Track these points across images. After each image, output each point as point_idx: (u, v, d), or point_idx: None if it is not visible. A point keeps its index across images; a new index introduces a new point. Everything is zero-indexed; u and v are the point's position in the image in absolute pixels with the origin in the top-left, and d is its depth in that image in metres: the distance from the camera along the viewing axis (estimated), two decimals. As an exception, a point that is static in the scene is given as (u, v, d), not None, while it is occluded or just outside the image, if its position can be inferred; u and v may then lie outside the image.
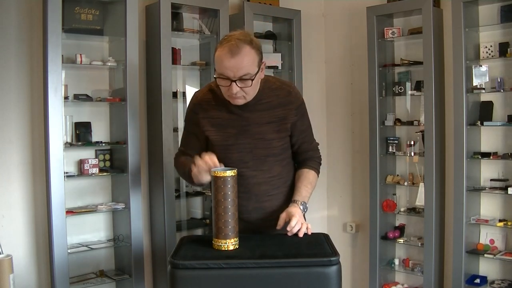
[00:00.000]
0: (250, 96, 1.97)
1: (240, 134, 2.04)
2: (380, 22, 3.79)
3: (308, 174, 2.14)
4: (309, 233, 1.95)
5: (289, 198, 2.10)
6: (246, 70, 1.87)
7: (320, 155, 2.25)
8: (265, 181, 2.08)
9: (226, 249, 1.79)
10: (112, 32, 3.23)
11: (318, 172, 2.20)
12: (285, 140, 2.10)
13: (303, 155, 2.19)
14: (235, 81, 1.88)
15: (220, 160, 1.93)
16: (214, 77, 1.95)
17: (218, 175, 1.79)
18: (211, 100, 2.08)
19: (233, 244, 1.80)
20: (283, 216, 1.98)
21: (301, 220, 1.96)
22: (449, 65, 3.52)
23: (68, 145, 3.09)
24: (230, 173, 1.80)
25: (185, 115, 2.18)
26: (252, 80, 1.90)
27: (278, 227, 1.98)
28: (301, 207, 2.03)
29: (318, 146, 2.25)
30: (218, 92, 2.04)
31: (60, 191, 2.92)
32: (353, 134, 4.25)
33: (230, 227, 1.80)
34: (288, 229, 1.93)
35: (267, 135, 2.05)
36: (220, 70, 1.89)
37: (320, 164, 2.24)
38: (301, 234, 1.92)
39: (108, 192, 3.36)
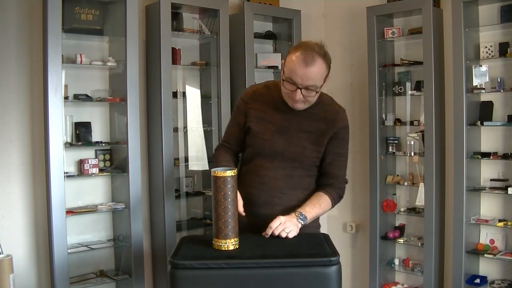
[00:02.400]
0: (310, 104, 2.06)
1: (278, 132, 2.10)
2: (380, 22, 3.79)
3: (321, 197, 2.11)
4: (289, 236, 1.93)
5: (299, 205, 2.08)
6: (313, 82, 1.96)
7: (344, 189, 2.21)
8: (283, 178, 2.09)
9: (226, 249, 1.79)
10: (112, 32, 3.23)
11: (333, 202, 2.15)
12: (317, 155, 2.11)
13: (326, 179, 2.16)
14: (301, 88, 1.96)
15: (252, 150, 2.12)
16: (282, 79, 2.01)
17: (218, 175, 1.79)
18: (263, 95, 2.15)
19: (233, 244, 1.80)
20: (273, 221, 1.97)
21: (284, 225, 1.93)
22: (449, 65, 3.52)
23: (68, 145, 3.09)
24: (230, 173, 1.80)
25: (236, 104, 2.24)
26: (316, 91, 2.00)
27: (265, 235, 1.96)
28: (299, 218, 2.00)
29: (346, 185, 2.23)
30: (273, 90, 2.14)
31: (60, 191, 2.92)
32: (353, 134, 4.23)
33: (230, 227, 1.79)
34: (267, 230, 1.93)
35: (302, 142, 2.09)
36: (289, 74, 1.97)
37: (340, 197, 2.19)
38: (280, 234, 1.92)
39: (108, 192, 3.36)
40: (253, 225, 2.05)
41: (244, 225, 1.97)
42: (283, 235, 1.92)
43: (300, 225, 1.99)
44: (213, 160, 2.28)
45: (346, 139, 2.17)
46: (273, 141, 2.09)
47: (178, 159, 3.56)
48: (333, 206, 2.16)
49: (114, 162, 3.33)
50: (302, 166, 2.12)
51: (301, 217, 2.00)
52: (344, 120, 2.15)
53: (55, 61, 2.88)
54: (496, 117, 3.42)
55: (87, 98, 3.19)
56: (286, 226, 1.94)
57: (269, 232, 1.93)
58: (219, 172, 1.80)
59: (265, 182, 2.09)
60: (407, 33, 3.77)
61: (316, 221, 2.21)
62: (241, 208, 1.95)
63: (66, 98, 3.05)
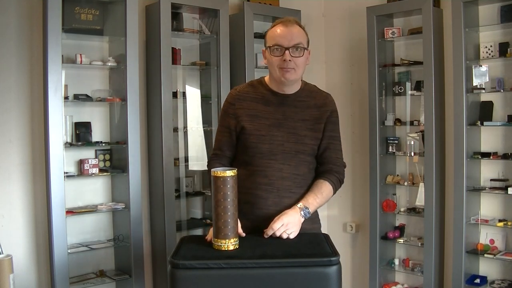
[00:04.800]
0: (299, 72, 2.07)
1: (274, 126, 2.09)
2: (380, 22, 3.79)
3: (321, 185, 2.11)
4: (290, 237, 1.93)
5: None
6: (299, 39, 2.03)
7: (343, 173, 2.22)
8: (290, 177, 2.08)
9: (226, 249, 1.79)
10: (112, 32, 3.23)
11: (334, 187, 2.15)
12: (315, 142, 2.13)
13: (325, 166, 2.17)
14: (288, 48, 2.00)
15: (250, 150, 2.08)
16: (268, 47, 2.06)
17: (218, 175, 1.79)
18: (249, 93, 2.15)
19: (233, 244, 1.80)
20: (274, 220, 1.96)
21: (286, 227, 1.93)
22: (449, 65, 3.52)
23: (68, 145, 3.09)
24: (230, 173, 1.79)
25: (222, 108, 2.21)
26: (304, 49, 2.04)
27: (265, 235, 1.96)
28: (302, 213, 2.00)
29: (345, 169, 2.24)
30: (258, 87, 2.15)
31: (60, 191, 2.92)
32: (353, 134, 4.25)
33: (229, 227, 1.79)
34: (268, 231, 1.92)
35: (300, 131, 2.09)
36: (274, 40, 2.03)
37: (340, 182, 2.20)
38: (283, 236, 1.92)
39: (108, 192, 3.36)
40: (258, 227, 2.02)
41: (248, 230, 1.97)
42: (284, 236, 1.92)
43: (302, 221, 2.00)
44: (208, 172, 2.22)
45: (337, 122, 2.21)
46: (271, 136, 2.07)
47: (178, 159, 3.56)
48: (334, 192, 2.17)
49: (114, 162, 3.33)
50: (306, 157, 2.11)
51: (305, 211, 2.01)
52: (333, 104, 2.20)
53: (55, 61, 2.88)
54: (496, 117, 3.42)
55: (87, 98, 3.19)
56: (288, 227, 1.93)
57: (269, 232, 1.93)
58: (219, 172, 1.79)
59: (272, 182, 2.06)
60: (407, 33, 3.77)
61: (317, 222, 2.20)
62: (240, 230, 1.93)
63: (66, 98, 3.05)
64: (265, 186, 2.06)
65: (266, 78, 2.16)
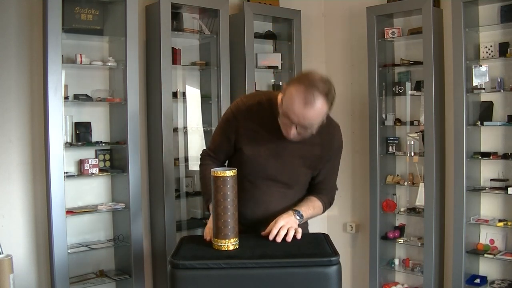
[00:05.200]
0: (305, 138, 1.93)
1: (272, 157, 2.03)
2: (380, 22, 3.79)
3: (314, 201, 2.10)
4: (298, 237, 1.92)
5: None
6: (311, 122, 1.83)
7: (334, 196, 2.20)
8: (277, 199, 2.07)
9: (226, 249, 1.79)
10: (112, 32, 3.23)
11: (324, 207, 2.14)
12: (310, 176, 2.11)
13: (319, 188, 2.15)
14: (297, 126, 1.85)
15: (243, 172, 1.98)
16: (281, 108, 1.87)
17: (217, 175, 1.79)
18: (256, 113, 2.02)
19: (233, 244, 1.80)
20: (270, 225, 1.95)
21: (287, 225, 1.92)
22: (449, 65, 3.52)
23: (68, 145, 3.09)
24: (230, 173, 1.79)
25: (225, 116, 2.10)
26: (313, 130, 1.88)
27: (264, 234, 1.95)
28: (296, 215, 1.99)
29: (336, 192, 2.22)
30: (267, 108, 2.00)
31: (60, 191, 2.92)
32: (353, 134, 4.25)
33: (229, 227, 1.79)
34: (270, 237, 1.90)
35: (297, 167, 2.04)
36: (287, 110, 1.82)
37: (330, 204, 2.18)
38: (288, 239, 1.89)
39: (108, 192, 3.36)
40: (248, 228, 2.03)
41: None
42: (291, 233, 1.90)
43: (298, 222, 1.99)
44: (199, 175, 2.20)
45: (339, 157, 2.15)
46: (266, 166, 2.03)
47: (178, 159, 3.56)
48: (323, 211, 2.15)
49: (114, 162, 3.33)
50: (297, 188, 2.11)
51: (298, 214, 2.00)
52: (339, 141, 2.12)
53: (55, 61, 2.88)
54: (496, 117, 3.42)
55: (87, 98, 3.18)
56: (289, 226, 1.92)
57: (271, 238, 1.90)
58: (219, 172, 1.79)
59: (258, 202, 2.06)
60: (407, 33, 3.77)
61: (304, 222, 2.19)
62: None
63: (66, 98, 3.05)
64: (251, 204, 2.05)
65: (279, 100, 1.91)
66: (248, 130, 2.02)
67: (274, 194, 2.07)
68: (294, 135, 1.89)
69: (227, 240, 1.79)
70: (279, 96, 1.90)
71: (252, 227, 2.05)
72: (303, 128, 1.86)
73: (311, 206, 2.07)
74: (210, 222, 1.93)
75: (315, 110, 1.79)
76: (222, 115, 2.18)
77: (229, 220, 1.79)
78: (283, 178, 2.06)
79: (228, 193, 1.79)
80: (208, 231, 1.94)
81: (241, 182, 1.95)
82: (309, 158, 2.05)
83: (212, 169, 1.83)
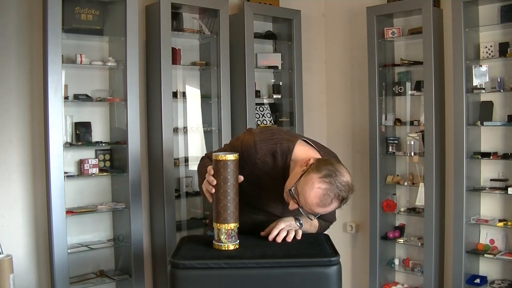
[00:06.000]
0: None
1: (273, 202, 2.00)
2: (380, 22, 3.79)
3: (313, 220, 2.04)
4: (298, 237, 1.91)
5: None
6: (317, 213, 1.84)
7: (329, 227, 2.18)
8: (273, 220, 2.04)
9: (226, 249, 1.79)
10: (112, 32, 3.23)
11: (320, 228, 2.12)
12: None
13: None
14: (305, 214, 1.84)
15: (244, 207, 1.90)
16: (291, 192, 1.81)
17: (219, 158, 1.77)
18: (267, 164, 1.95)
19: (233, 244, 1.80)
20: (270, 226, 1.95)
21: (287, 227, 1.92)
22: (449, 65, 3.53)
23: (68, 145, 3.09)
24: (231, 157, 1.78)
25: (236, 146, 1.98)
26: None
27: (263, 234, 1.94)
28: (297, 222, 1.98)
29: (334, 222, 2.19)
30: (278, 163, 1.93)
31: (60, 191, 2.92)
32: (353, 134, 4.25)
33: (229, 211, 1.78)
34: (270, 238, 1.89)
35: (296, 213, 1.97)
36: (298, 196, 1.79)
37: (324, 230, 2.15)
38: (288, 239, 1.89)
39: (108, 192, 3.36)
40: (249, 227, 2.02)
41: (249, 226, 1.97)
42: (291, 233, 1.90)
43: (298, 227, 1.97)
44: (197, 169, 2.14)
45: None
46: (269, 207, 2.01)
47: (178, 159, 3.56)
48: (316, 231, 2.11)
49: (114, 162, 3.33)
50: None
51: (299, 222, 1.98)
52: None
53: (55, 61, 2.88)
54: (496, 117, 3.42)
55: (87, 98, 3.18)
56: (289, 227, 1.92)
57: (270, 239, 1.89)
58: (220, 155, 1.77)
59: (261, 212, 2.04)
60: (407, 33, 3.78)
61: None
62: (241, 177, 1.83)
63: (66, 98, 3.05)
64: (256, 212, 2.03)
65: (294, 156, 1.90)
66: (253, 175, 1.95)
67: (269, 217, 2.03)
68: (294, 209, 1.85)
69: (225, 224, 1.78)
70: (298, 164, 1.85)
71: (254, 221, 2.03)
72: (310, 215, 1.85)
73: (309, 222, 2.04)
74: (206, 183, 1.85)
75: (326, 209, 1.80)
76: (238, 138, 2.05)
77: (228, 205, 1.78)
78: (285, 215, 2.00)
79: (229, 177, 1.77)
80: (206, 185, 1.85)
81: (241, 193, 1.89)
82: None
83: (214, 153, 1.81)
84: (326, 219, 2.14)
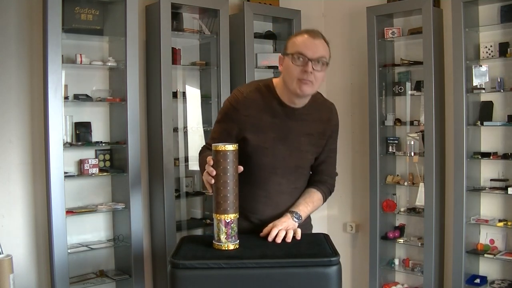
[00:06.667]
0: (316, 86, 1.99)
1: (279, 140, 2.02)
2: (380, 22, 3.79)
3: (313, 194, 2.10)
4: (297, 237, 1.92)
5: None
6: (323, 53, 1.95)
7: (334, 184, 2.21)
8: (288, 191, 2.06)
9: (226, 248, 1.79)
10: (112, 32, 3.23)
11: (324, 198, 2.14)
12: (315, 156, 2.11)
13: (318, 176, 2.15)
14: (311, 60, 1.92)
15: (252, 162, 1.98)
16: (289, 54, 1.94)
17: (218, 149, 1.78)
18: (256, 100, 2.02)
19: (233, 244, 1.80)
20: (268, 227, 1.95)
21: (285, 228, 1.92)
22: (449, 65, 3.52)
23: (68, 145, 3.09)
24: (230, 147, 1.78)
25: (223, 109, 2.07)
26: (326, 64, 1.96)
27: (262, 234, 1.95)
28: (294, 217, 1.99)
29: (337, 177, 2.22)
30: (265, 94, 2.02)
31: (60, 191, 2.92)
32: (353, 134, 4.25)
33: (229, 202, 1.78)
34: (269, 239, 1.90)
35: (303, 146, 2.05)
36: (298, 48, 1.93)
37: (331, 192, 2.19)
38: (288, 239, 1.89)
39: (108, 192, 3.36)
40: (253, 230, 2.02)
41: (245, 230, 1.96)
42: (290, 234, 1.90)
43: (296, 224, 1.98)
44: (198, 161, 2.13)
45: (337, 134, 2.18)
46: (274, 149, 2.02)
47: (178, 159, 3.56)
48: (324, 201, 2.16)
49: (114, 162, 3.33)
50: (304, 170, 2.10)
51: (296, 216, 2.00)
52: (337, 117, 2.17)
53: (55, 61, 2.88)
54: (496, 117, 3.42)
55: (87, 98, 3.19)
56: (288, 228, 1.92)
57: (270, 240, 1.89)
58: (220, 146, 1.78)
59: (271, 196, 2.04)
60: (407, 33, 3.77)
61: (309, 229, 2.19)
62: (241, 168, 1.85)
63: (66, 98, 3.05)
64: (263, 199, 2.03)
65: (275, 83, 2.03)
66: (250, 118, 2.00)
67: (285, 187, 2.05)
68: (310, 77, 1.92)
69: (225, 215, 1.78)
70: (280, 64, 2.01)
71: (259, 224, 2.03)
72: (317, 65, 1.92)
73: (309, 202, 2.07)
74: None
75: (322, 42, 1.98)
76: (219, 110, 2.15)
77: (228, 195, 1.78)
78: (292, 160, 2.04)
79: (228, 167, 1.77)
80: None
81: (248, 176, 1.96)
82: (314, 135, 2.07)
83: (213, 144, 1.81)
84: (327, 172, 2.15)
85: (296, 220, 1.99)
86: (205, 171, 1.83)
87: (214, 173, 1.78)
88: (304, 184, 2.13)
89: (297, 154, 2.05)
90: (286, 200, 2.06)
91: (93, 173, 3.18)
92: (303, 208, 2.04)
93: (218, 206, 1.80)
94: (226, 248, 1.79)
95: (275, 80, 2.05)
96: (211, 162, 1.79)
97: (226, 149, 1.77)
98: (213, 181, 1.79)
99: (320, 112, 2.09)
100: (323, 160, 2.14)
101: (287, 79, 1.96)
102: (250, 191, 2.01)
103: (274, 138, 2.02)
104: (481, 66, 3.40)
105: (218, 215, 1.79)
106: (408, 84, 3.81)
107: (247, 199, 2.00)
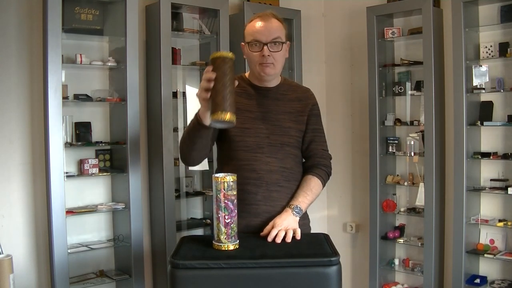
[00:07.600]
0: (278, 67, 2.09)
1: (258, 119, 2.09)
2: (380, 22, 3.79)
3: (310, 181, 2.12)
4: (297, 237, 1.92)
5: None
6: (276, 34, 2.04)
7: (330, 166, 2.22)
8: (278, 170, 2.08)
9: (226, 249, 1.79)
10: (112, 32, 3.23)
11: (323, 181, 2.16)
12: (300, 134, 2.15)
13: (311, 161, 2.18)
14: (267, 44, 2.02)
15: (236, 144, 2.06)
16: (247, 43, 2.08)
17: (217, 55, 1.80)
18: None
19: (233, 244, 1.80)
20: (268, 226, 1.96)
21: (285, 228, 1.93)
22: (449, 65, 3.53)
23: (68, 145, 3.09)
24: (229, 54, 1.80)
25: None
26: (283, 44, 2.05)
27: (262, 234, 1.95)
28: (294, 212, 2.01)
29: (336, 177, 2.23)
30: (239, 82, 2.10)
31: (60, 191, 2.92)
32: (353, 134, 4.25)
33: (229, 102, 1.76)
34: (269, 239, 1.90)
35: (284, 123, 2.11)
36: (252, 36, 2.06)
37: (328, 174, 2.20)
38: (288, 239, 1.89)
39: (108, 192, 3.36)
40: (249, 224, 2.02)
41: (241, 227, 1.94)
42: (290, 234, 1.90)
43: (297, 219, 2.00)
44: (180, 143, 2.11)
45: (320, 115, 2.24)
46: (256, 129, 2.08)
47: (178, 159, 3.56)
48: (324, 185, 2.18)
49: (114, 162, 3.33)
50: (291, 149, 2.11)
51: (296, 210, 2.02)
52: (314, 97, 2.25)
53: (55, 61, 2.88)
54: (496, 117, 3.42)
55: (87, 98, 3.18)
56: (288, 228, 1.93)
57: (270, 240, 1.90)
58: (219, 52, 1.82)
59: (261, 176, 2.05)
60: (407, 33, 3.77)
61: (306, 218, 2.20)
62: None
63: (66, 98, 3.05)
64: (254, 181, 2.05)
65: (247, 74, 2.19)
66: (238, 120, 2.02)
67: (274, 166, 2.06)
68: (269, 60, 2.02)
69: (223, 112, 1.75)
70: (243, 53, 2.13)
71: (255, 212, 2.04)
72: (273, 47, 2.03)
73: (308, 191, 2.09)
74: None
75: (274, 22, 2.06)
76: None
77: (228, 96, 1.77)
78: (276, 138, 2.08)
79: (227, 72, 1.79)
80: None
81: (235, 161, 2.05)
82: (293, 112, 2.14)
83: (213, 53, 1.85)
84: (319, 153, 2.17)
85: (297, 214, 2.01)
86: (200, 88, 1.83)
87: (214, 75, 1.79)
88: (294, 166, 2.13)
89: (279, 131, 2.10)
90: (276, 180, 2.06)
91: (93, 173, 3.18)
92: (302, 200, 2.06)
93: (216, 107, 1.76)
94: (226, 248, 1.79)
95: (247, 73, 2.22)
96: (210, 69, 1.81)
97: (224, 55, 1.80)
98: (211, 84, 1.78)
99: (296, 92, 2.20)
100: (310, 139, 2.17)
101: (251, 65, 2.12)
102: (240, 175, 1.95)
103: (254, 118, 2.09)
104: (481, 66, 3.40)
105: (215, 114, 1.76)
106: (408, 84, 3.81)
107: (239, 185, 1.93)
